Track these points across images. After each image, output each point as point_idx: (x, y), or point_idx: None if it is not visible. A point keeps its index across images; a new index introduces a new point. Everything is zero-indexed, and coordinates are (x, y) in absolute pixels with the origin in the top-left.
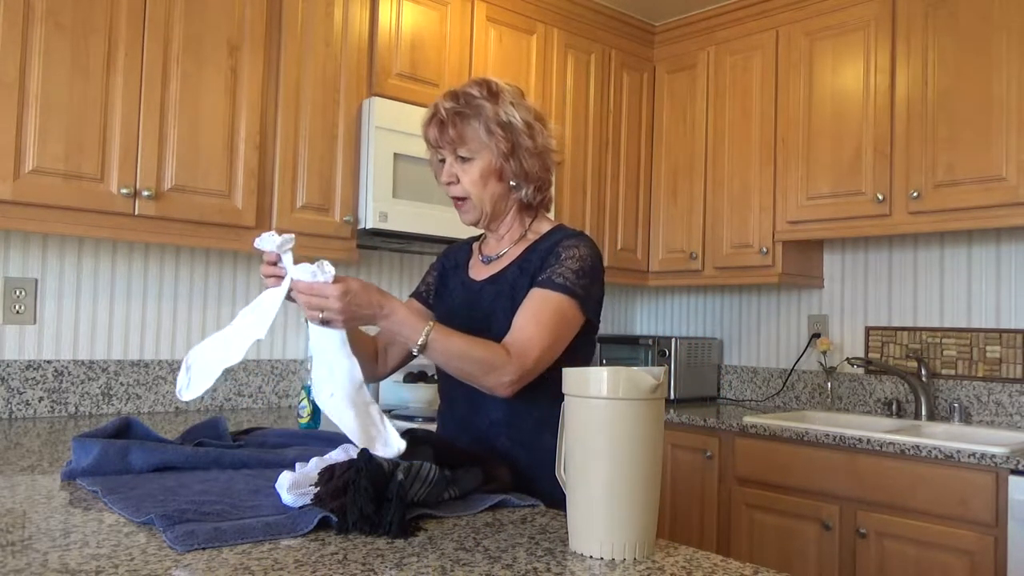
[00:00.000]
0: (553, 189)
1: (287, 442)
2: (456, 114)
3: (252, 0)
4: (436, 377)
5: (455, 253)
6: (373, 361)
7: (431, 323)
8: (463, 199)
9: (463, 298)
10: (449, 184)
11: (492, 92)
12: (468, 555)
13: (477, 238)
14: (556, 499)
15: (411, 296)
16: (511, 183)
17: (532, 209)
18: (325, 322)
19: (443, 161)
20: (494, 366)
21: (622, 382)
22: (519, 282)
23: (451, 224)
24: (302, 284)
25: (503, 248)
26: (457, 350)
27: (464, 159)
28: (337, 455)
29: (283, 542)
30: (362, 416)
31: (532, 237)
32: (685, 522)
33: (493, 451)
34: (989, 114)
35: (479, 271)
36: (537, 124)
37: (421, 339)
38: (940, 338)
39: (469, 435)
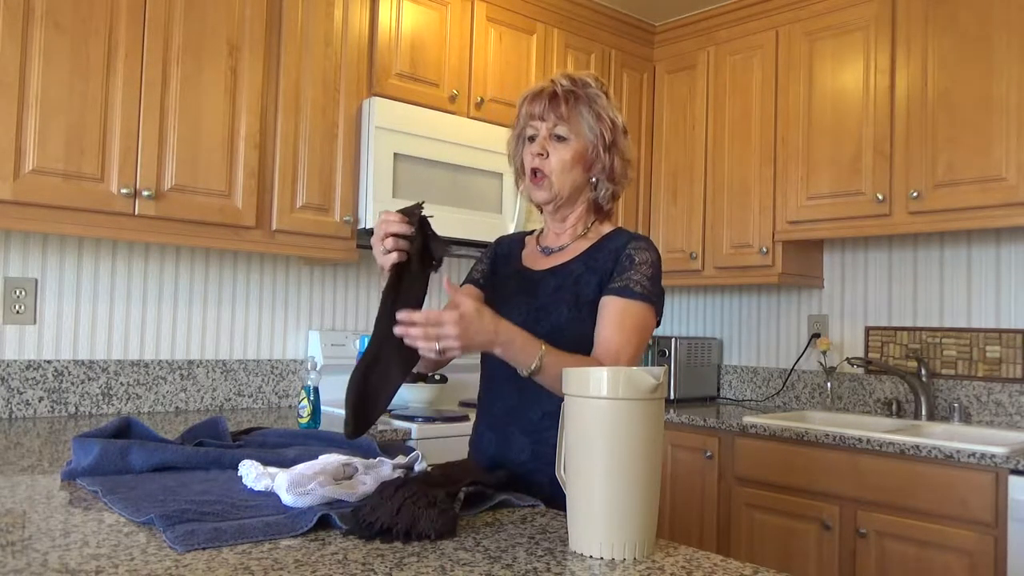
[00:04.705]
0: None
1: (287, 442)
2: (571, 93)
3: (252, 0)
4: (436, 376)
5: (507, 243)
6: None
7: (543, 348)
8: (544, 176)
9: (518, 286)
10: (538, 155)
11: (604, 89)
12: (468, 555)
13: (529, 232)
14: None
15: (465, 282)
16: (592, 179)
17: (599, 213)
18: (442, 351)
19: (531, 139)
20: None
21: (622, 382)
22: (584, 277)
23: (451, 224)
24: (419, 315)
25: (564, 241)
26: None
27: (560, 138)
28: (332, 459)
29: (283, 542)
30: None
31: (594, 236)
32: (685, 522)
33: (540, 441)
34: (989, 114)
35: (537, 261)
36: (627, 134)
37: (535, 364)
38: (940, 338)
39: (519, 426)
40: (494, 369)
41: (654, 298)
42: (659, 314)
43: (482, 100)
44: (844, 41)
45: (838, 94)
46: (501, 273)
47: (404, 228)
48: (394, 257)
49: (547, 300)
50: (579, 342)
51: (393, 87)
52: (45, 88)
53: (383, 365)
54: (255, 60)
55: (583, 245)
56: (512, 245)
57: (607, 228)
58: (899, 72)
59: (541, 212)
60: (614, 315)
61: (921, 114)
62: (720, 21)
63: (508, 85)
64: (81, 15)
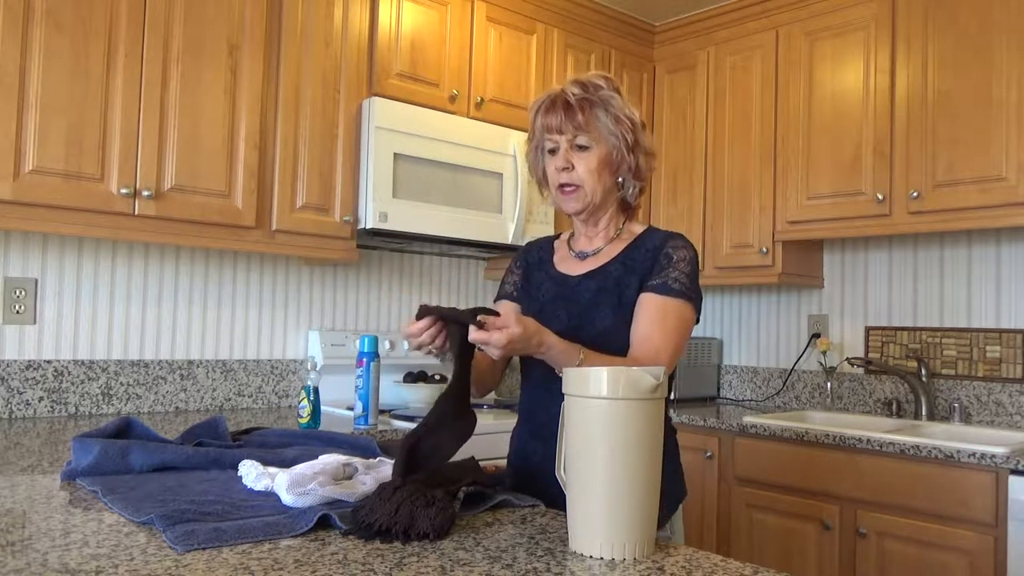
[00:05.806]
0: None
1: (287, 442)
2: (585, 100)
3: (252, 0)
4: (436, 376)
5: (537, 250)
6: (488, 374)
7: (581, 355)
8: (575, 187)
9: (556, 292)
10: (564, 170)
11: (616, 87)
12: (468, 555)
13: (557, 236)
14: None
15: (499, 298)
16: (619, 179)
17: (628, 211)
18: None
19: (552, 152)
20: None
21: (622, 382)
22: (625, 279)
23: (451, 224)
24: (477, 335)
25: (599, 244)
26: None
27: (581, 147)
28: (332, 459)
29: (283, 542)
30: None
31: (627, 237)
32: (685, 522)
33: None
34: (989, 114)
35: (572, 266)
36: (645, 128)
37: None
38: (940, 338)
39: None
40: (537, 376)
41: (693, 295)
42: (698, 311)
43: (482, 100)
44: (844, 41)
45: (838, 94)
46: (536, 281)
47: (422, 339)
48: (432, 347)
49: (588, 304)
50: (626, 346)
51: (393, 87)
52: (45, 88)
53: (436, 435)
54: (255, 60)
55: (619, 247)
56: (542, 252)
57: (639, 228)
58: (899, 72)
59: (571, 218)
60: (654, 313)
61: (921, 114)
62: (720, 21)
63: (508, 85)
64: (81, 15)
